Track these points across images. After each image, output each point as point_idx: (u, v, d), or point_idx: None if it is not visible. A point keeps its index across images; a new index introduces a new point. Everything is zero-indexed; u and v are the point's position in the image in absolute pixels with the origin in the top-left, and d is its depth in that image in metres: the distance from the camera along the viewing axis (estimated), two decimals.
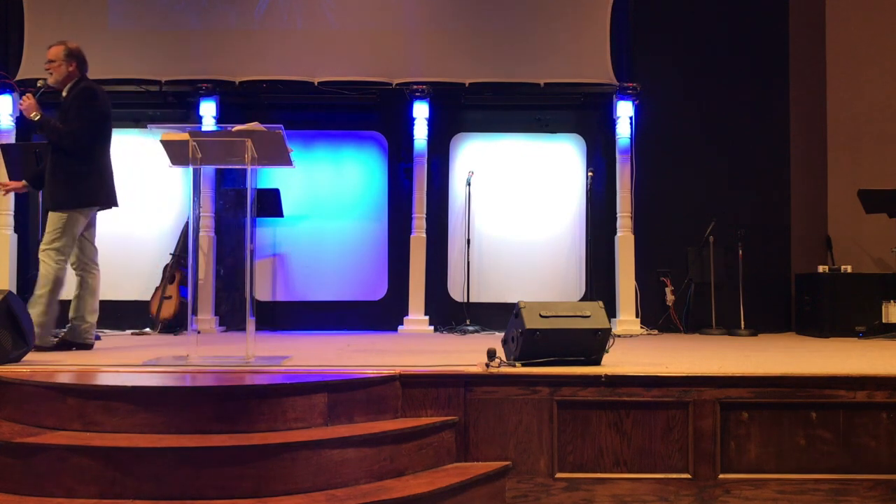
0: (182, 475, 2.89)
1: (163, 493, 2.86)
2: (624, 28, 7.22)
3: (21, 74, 7.06)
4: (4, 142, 6.69)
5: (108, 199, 4.81)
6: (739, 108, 7.25)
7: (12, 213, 6.94)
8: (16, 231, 7.01)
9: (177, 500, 2.84)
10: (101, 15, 7.13)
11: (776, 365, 3.91)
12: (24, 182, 4.94)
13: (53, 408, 3.21)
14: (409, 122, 7.11)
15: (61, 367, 3.81)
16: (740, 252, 6.87)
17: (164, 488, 2.87)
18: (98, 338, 5.73)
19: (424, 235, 7.07)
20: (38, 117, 4.61)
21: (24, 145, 6.16)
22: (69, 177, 4.63)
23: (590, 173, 7.14)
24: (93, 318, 4.81)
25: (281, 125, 3.98)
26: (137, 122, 7.22)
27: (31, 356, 3.96)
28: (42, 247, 4.62)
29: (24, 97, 4.67)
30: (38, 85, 4.84)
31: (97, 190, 4.72)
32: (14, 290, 6.02)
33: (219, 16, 7.14)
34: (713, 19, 7.32)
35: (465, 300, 7.11)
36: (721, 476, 3.53)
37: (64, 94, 4.76)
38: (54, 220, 4.62)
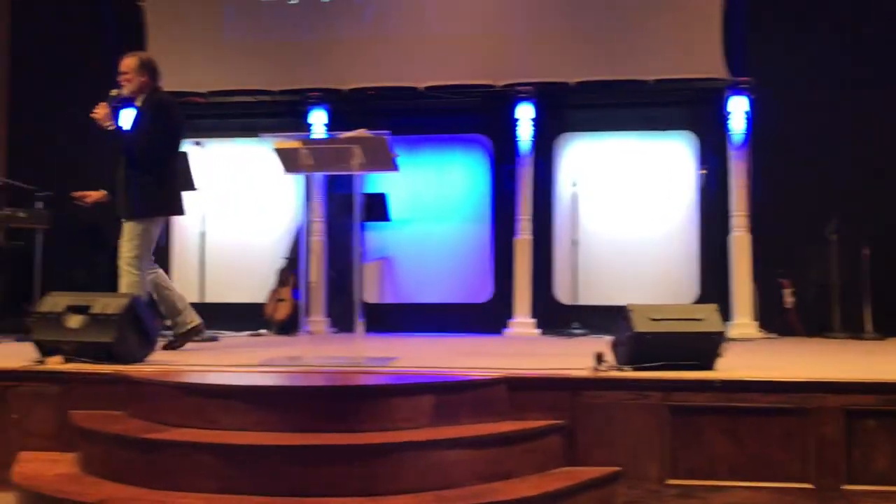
0: (294, 472, 2.97)
1: (277, 490, 2.95)
2: (737, 19, 6.95)
3: None
4: None
5: (179, 208, 4.95)
6: (862, 101, 6.85)
7: None
8: None
9: (289, 496, 2.92)
10: (217, 28, 7.44)
11: None
12: (104, 192, 5.01)
13: (176, 406, 3.36)
14: (513, 123, 7.08)
15: (183, 366, 3.99)
16: (865, 251, 6.49)
17: (277, 485, 2.96)
18: (216, 338, 5.99)
19: (530, 237, 7.02)
20: (112, 127, 4.70)
21: None
22: (145, 186, 4.71)
23: (702, 171, 6.92)
24: (183, 303, 4.96)
25: (387, 131, 4.04)
26: (251, 131, 7.47)
27: (156, 356, 4.16)
28: (123, 257, 4.71)
29: (97, 107, 4.71)
30: (112, 94, 4.85)
31: (171, 198, 4.86)
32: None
33: (328, 26, 7.33)
34: (834, 6, 6.96)
35: (573, 302, 7.01)
36: (845, 487, 3.35)
37: (138, 104, 4.85)
38: (132, 230, 4.71)
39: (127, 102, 4.86)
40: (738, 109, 6.80)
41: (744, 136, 6.82)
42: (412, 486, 3.02)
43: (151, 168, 4.73)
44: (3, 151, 7.54)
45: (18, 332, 5.99)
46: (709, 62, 6.83)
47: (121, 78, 4.85)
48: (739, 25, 6.96)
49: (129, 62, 4.85)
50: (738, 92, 6.79)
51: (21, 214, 5.95)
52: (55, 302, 3.98)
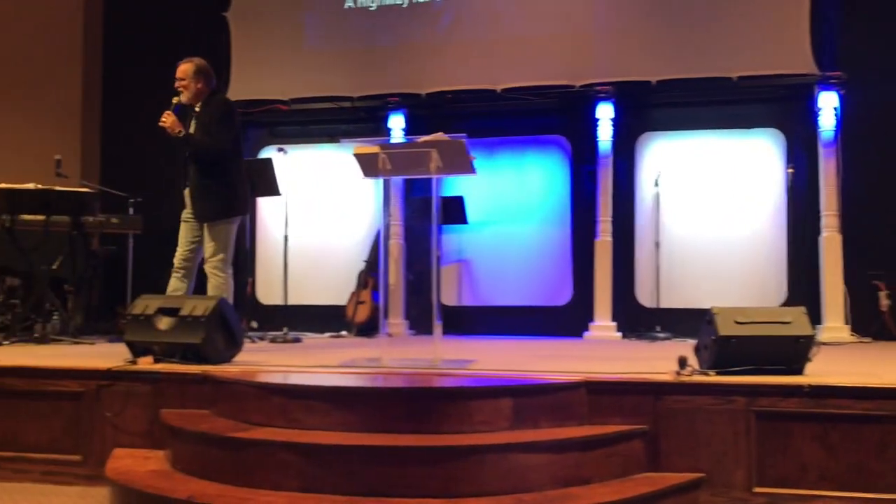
0: (374, 473, 3.00)
1: (357, 489, 2.98)
2: (828, 12, 6.70)
3: (229, 96, 7.65)
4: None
5: (248, 207, 5.12)
6: None
7: None
8: None
9: (369, 496, 2.95)
10: (298, 38, 7.61)
11: None
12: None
13: (260, 405, 3.44)
14: (593, 124, 7.00)
15: (267, 367, 4.08)
16: None
17: (357, 485, 2.99)
18: (299, 340, 6.12)
19: (610, 239, 6.92)
20: (182, 133, 4.77)
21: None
22: (221, 188, 4.81)
23: (789, 170, 6.68)
24: None
25: (464, 134, 4.05)
26: (332, 137, 7.62)
27: (241, 357, 4.27)
28: (209, 260, 4.82)
29: (164, 115, 4.77)
30: (174, 102, 4.87)
31: (244, 198, 4.97)
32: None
33: (407, 31, 7.40)
34: None
35: (655, 305, 6.88)
36: None
37: (196, 108, 4.90)
38: (214, 232, 4.81)
39: (188, 108, 4.95)
40: (827, 105, 6.55)
41: (834, 132, 6.56)
42: (491, 489, 3.01)
43: (222, 170, 4.83)
44: (97, 159, 7.89)
45: (112, 333, 6.25)
46: (797, 57, 6.60)
47: (178, 84, 4.89)
48: (830, 19, 6.71)
49: (185, 68, 4.90)
50: (828, 87, 6.54)
51: (114, 220, 6.20)
52: (146, 304, 4.12)
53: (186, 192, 4.92)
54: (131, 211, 6.55)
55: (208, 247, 4.86)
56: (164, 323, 4.03)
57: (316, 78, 7.49)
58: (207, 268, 4.89)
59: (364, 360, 4.22)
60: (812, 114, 6.70)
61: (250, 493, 3.03)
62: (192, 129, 4.85)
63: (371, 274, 7.16)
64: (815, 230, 6.64)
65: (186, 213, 4.96)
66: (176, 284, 4.91)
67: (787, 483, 3.31)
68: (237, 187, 4.91)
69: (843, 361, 4.44)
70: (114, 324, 6.71)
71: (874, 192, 6.59)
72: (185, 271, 4.91)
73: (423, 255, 7.15)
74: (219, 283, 4.81)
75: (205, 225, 4.87)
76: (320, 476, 3.03)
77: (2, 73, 8.27)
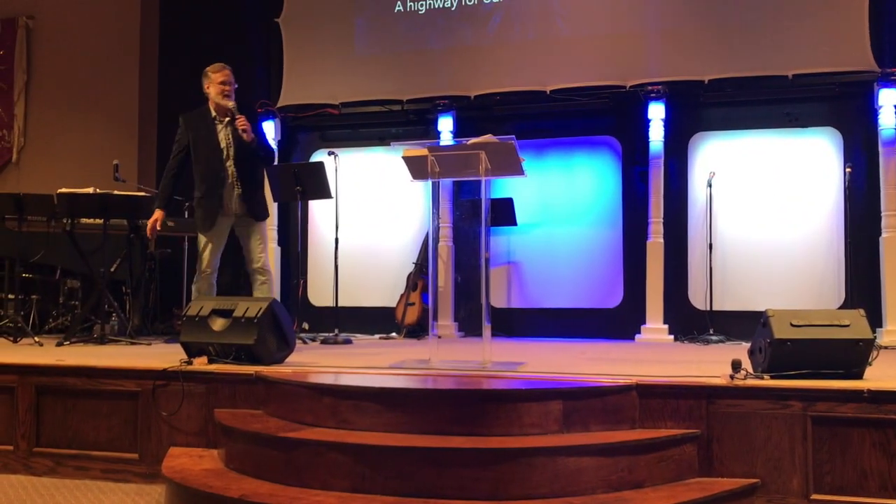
0: (423, 474, 3.01)
1: (406, 490, 2.99)
2: (888, 7, 6.52)
3: (282, 101, 7.79)
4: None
5: None
6: None
7: (276, 227, 7.66)
8: (278, 244, 7.73)
9: (418, 497, 2.96)
10: (349, 42, 7.69)
11: None
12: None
13: (311, 406, 3.47)
14: (644, 124, 6.93)
15: (318, 368, 4.13)
16: None
17: (407, 485, 3.00)
18: (350, 341, 6.17)
19: (662, 241, 6.84)
20: (252, 137, 4.97)
21: (285, 166, 6.77)
22: (264, 189, 5.29)
23: (848, 169, 6.51)
24: None
25: (513, 135, 4.04)
26: (382, 140, 7.69)
27: (293, 358, 4.32)
28: (261, 258, 5.05)
29: (243, 120, 4.93)
30: (233, 106, 5.00)
31: None
32: (278, 298, 6.63)
33: (455, 33, 7.42)
34: None
35: (708, 308, 6.76)
36: None
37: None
38: (263, 230, 5.15)
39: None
40: (888, 103, 6.37)
41: (894, 130, 6.38)
42: (540, 491, 2.99)
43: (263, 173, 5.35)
44: (153, 163, 8.07)
45: (168, 334, 6.39)
46: (855, 54, 6.43)
47: (227, 89, 5.04)
48: (890, 14, 6.52)
49: (231, 73, 5.12)
50: (889, 84, 6.36)
51: (170, 223, 6.33)
52: (201, 306, 4.20)
53: (229, 193, 5.05)
54: (186, 214, 6.68)
55: (258, 246, 5.04)
56: (218, 324, 4.10)
57: (366, 82, 7.56)
58: (258, 267, 5.03)
59: (413, 362, 4.24)
60: (871, 112, 6.53)
61: (301, 492, 3.07)
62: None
63: (420, 276, 7.19)
64: (876, 231, 6.46)
65: (220, 216, 5.09)
66: (207, 287, 5.08)
67: (845, 491, 3.22)
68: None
69: None
70: (170, 325, 6.86)
71: None
72: (214, 271, 5.11)
73: (473, 257, 7.19)
74: (271, 280, 5.06)
75: (254, 225, 5.08)
76: (370, 476, 3.05)
77: (62, 80, 8.53)
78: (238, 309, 4.09)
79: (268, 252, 5.15)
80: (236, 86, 5.07)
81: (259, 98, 7.67)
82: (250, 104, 7.69)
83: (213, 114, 5.07)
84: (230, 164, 5.02)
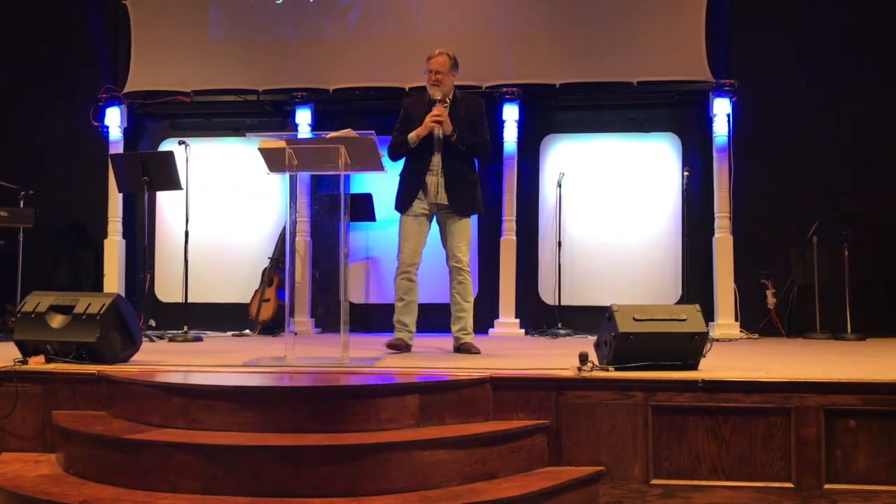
0: (279, 473, 2.97)
1: (261, 490, 2.94)
2: (721, 22, 7.00)
3: (129, 87, 7.41)
4: (114, 152, 7.03)
5: None
6: (847, 103, 6.91)
7: (121, 219, 7.28)
8: (123, 237, 7.35)
9: (274, 496, 2.92)
10: (202, 28, 7.42)
11: (888, 371, 3.72)
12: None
13: (159, 406, 3.35)
14: (499, 124, 7.09)
15: (166, 367, 3.97)
16: (846, 253, 6.55)
17: (262, 485, 2.95)
18: (201, 338, 5.97)
19: (515, 238, 7.04)
20: (450, 129, 4.59)
21: (132, 155, 6.46)
22: (477, 184, 4.83)
23: (685, 173, 6.95)
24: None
25: (373, 131, 4.04)
26: (237, 130, 7.47)
27: (138, 356, 4.13)
28: (461, 257, 4.70)
29: (439, 112, 4.58)
30: (439, 99, 4.66)
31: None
32: (123, 294, 6.32)
33: (313, 26, 7.32)
34: (818, 10, 7.01)
35: (557, 303, 7.04)
36: (827, 486, 3.38)
37: (445, 103, 4.68)
38: (468, 226, 4.78)
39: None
40: (721, 112, 6.85)
41: (726, 137, 6.87)
42: (397, 486, 3.02)
43: (474, 166, 4.85)
44: None
45: (1, 331, 5.95)
46: (692, 65, 6.88)
47: (434, 78, 4.68)
48: (723, 28, 7.01)
49: (442, 61, 4.69)
50: (722, 94, 6.84)
51: (3, 213, 5.90)
52: (38, 301, 3.95)
53: (434, 183, 4.69)
54: (22, 204, 6.24)
55: (462, 243, 4.72)
56: (56, 321, 3.87)
57: (220, 70, 7.32)
58: (456, 264, 4.74)
59: (269, 359, 4.16)
60: (707, 119, 7.00)
61: (148, 496, 2.96)
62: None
63: (276, 271, 7.05)
64: (709, 231, 6.94)
65: (421, 207, 4.75)
66: (408, 286, 4.78)
67: (681, 475, 3.45)
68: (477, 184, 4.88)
69: (733, 357, 4.65)
70: (2, 321, 6.40)
71: (763, 195, 6.94)
72: (415, 269, 4.80)
73: (331, 252, 7.13)
74: (470, 280, 4.76)
75: (458, 220, 4.74)
76: (222, 477, 2.97)
77: None
78: (79, 305, 3.87)
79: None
80: (438, 73, 4.67)
81: (104, 83, 7.27)
82: (93, 89, 7.30)
83: None
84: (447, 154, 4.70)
